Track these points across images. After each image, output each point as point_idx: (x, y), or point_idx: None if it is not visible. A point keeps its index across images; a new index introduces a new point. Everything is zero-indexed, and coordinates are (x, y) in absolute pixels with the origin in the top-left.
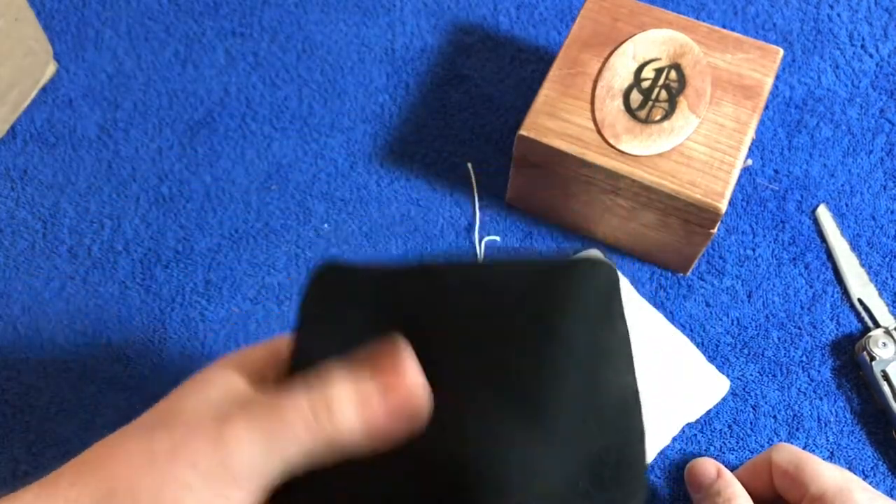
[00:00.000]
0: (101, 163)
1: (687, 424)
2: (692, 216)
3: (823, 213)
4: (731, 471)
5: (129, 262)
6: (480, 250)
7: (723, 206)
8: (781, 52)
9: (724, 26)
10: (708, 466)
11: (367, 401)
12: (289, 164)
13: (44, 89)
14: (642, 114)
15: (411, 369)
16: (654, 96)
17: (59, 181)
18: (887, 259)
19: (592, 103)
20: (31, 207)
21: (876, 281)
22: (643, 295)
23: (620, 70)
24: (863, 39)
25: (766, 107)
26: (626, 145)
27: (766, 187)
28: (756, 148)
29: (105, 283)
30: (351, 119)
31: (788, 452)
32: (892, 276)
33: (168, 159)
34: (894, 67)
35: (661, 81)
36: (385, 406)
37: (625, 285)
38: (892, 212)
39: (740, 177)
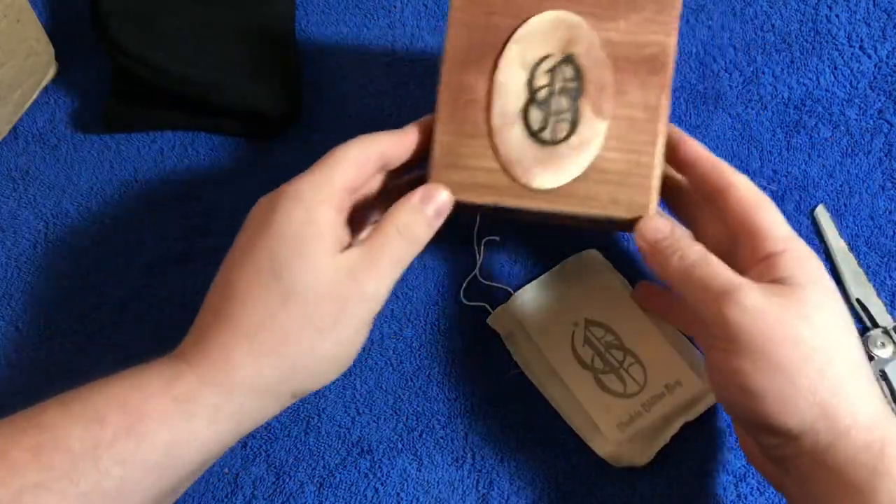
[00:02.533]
0: (102, 163)
1: (686, 423)
2: (627, 226)
3: (822, 214)
4: None
5: (130, 262)
6: (480, 250)
7: (650, 213)
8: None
9: (722, 27)
10: (660, 222)
11: (427, 213)
12: (289, 165)
13: (45, 90)
14: (546, 134)
15: (437, 186)
16: (553, 109)
17: (60, 181)
18: (885, 259)
19: (492, 138)
20: (32, 207)
21: (874, 281)
22: None
23: (511, 86)
24: (861, 40)
25: (765, 107)
26: (539, 180)
27: (764, 188)
28: (755, 148)
29: (106, 283)
30: (351, 120)
31: (748, 192)
32: (890, 277)
33: (170, 160)
34: (893, 68)
35: (557, 86)
36: (435, 210)
37: (624, 286)
38: (890, 212)
39: None
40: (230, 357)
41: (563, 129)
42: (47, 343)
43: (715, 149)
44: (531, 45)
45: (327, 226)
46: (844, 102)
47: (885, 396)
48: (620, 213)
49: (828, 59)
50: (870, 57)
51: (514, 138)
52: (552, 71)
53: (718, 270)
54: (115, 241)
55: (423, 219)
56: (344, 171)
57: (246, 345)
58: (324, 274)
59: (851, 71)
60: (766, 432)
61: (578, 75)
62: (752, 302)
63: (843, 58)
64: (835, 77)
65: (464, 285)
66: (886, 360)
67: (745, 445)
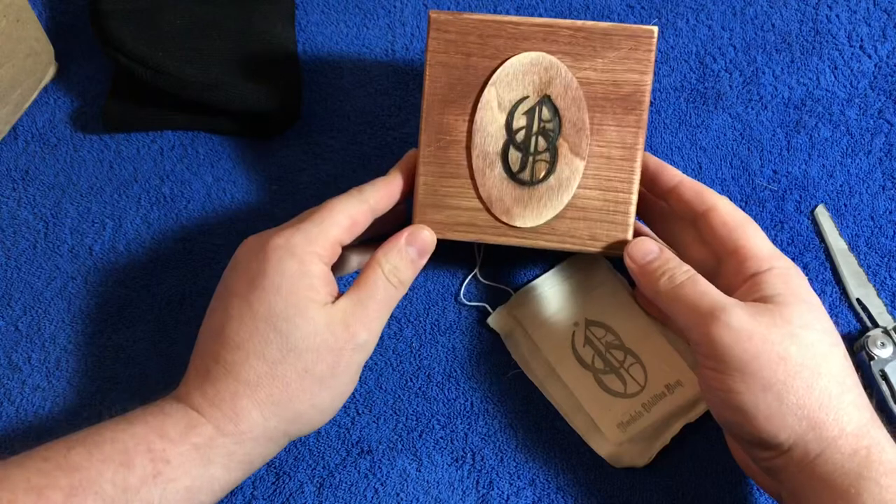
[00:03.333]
0: (102, 163)
1: (687, 424)
2: (607, 255)
3: (822, 214)
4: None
5: (130, 263)
6: (480, 250)
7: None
8: (655, 30)
9: (722, 27)
10: (649, 244)
11: (411, 255)
12: (289, 165)
13: (45, 90)
14: (525, 175)
15: (421, 227)
16: (532, 149)
17: (60, 181)
18: (885, 259)
19: (473, 178)
20: (32, 207)
21: (874, 281)
22: None
23: (490, 128)
24: (861, 40)
25: (765, 107)
26: (519, 219)
27: (764, 188)
28: (755, 148)
29: (106, 283)
30: (351, 120)
31: (729, 217)
32: (890, 276)
33: (169, 160)
34: (893, 68)
35: (535, 127)
36: (417, 251)
37: (624, 286)
38: (890, 212)
39: (738, 177)
40: (240, 409)
41: (542, 169)
42: (47, 343)
43: (715, 149)
44: (508, 87)
45: (320, 279)
46: (844, 102)
47: (885, 396)
48: (599, 249)
49: (828, 59)
50: (870, 57)
51: (494, 179)
52: (530, 112)
53: (706, 291)
54: (115, 242)
55: (408, 261)
56: (339, 226)
57: (252, 396)
58: (320, 327)
59: (851, 71)
60: (758, 446)
61: (556, 114)
62: (738, 322)
63: (843, 58)
64: (835, 77)
65: (464, 285)
66: (886, 360)
67: (738, 456)
